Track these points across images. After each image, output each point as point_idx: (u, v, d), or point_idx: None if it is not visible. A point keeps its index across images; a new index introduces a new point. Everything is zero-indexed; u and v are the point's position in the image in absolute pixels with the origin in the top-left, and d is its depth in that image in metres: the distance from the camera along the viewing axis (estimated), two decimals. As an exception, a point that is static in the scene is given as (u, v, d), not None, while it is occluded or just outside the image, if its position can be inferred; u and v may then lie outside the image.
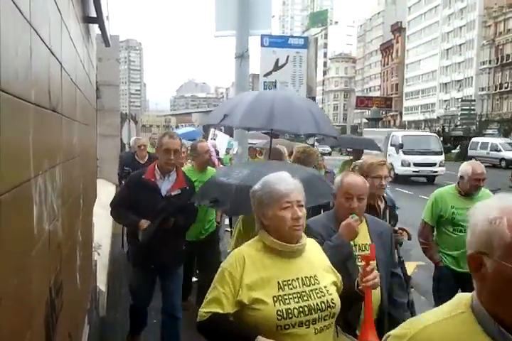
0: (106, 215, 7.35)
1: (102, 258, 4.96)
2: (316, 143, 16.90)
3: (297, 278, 2.03)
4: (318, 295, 2.03)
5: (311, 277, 2.06)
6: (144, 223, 3.81)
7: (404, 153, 22.63)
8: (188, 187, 4.05)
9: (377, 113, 65.62)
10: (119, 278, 6.61)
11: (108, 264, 5.63)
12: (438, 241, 4.47)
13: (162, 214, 3.78)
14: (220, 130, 11.36)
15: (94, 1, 2.80)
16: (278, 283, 1.99)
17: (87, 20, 3.09)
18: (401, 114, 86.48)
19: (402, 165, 22.23)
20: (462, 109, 49.99)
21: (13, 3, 1.04)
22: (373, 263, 2.32)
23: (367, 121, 68.37)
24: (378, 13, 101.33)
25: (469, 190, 4.24)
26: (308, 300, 2.00)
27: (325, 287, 2.07)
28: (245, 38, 7.13)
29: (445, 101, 74.65)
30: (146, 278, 4.15)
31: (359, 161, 5.86)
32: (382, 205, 3.79)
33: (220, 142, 10.18)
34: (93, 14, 3.04)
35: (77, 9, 2.58)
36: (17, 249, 1.13)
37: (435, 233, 4.52)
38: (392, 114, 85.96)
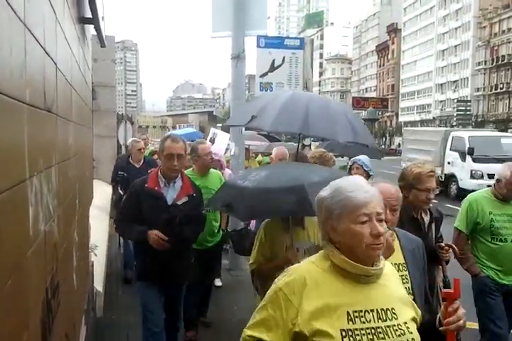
0: (102, 216, 7.35)
1: (98, 259, 4.95)
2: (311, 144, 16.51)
3: (371, 310, 1.65)
4: (397, 333, 1.66)
5: (387, 310, 1.69)
6: (152, 234, 3.45)
7: (475, 160, 16.13)
8: (195, 195, 3.76)
9: (374, 114, 65.81)
10: (116, 279, 6.60)
11: (105, 265, 5.63)
12: (475, 252, 3.98)
13: (169, 225, 3.49)
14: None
15: (90, 1, 2.80)
16: (348, 313, 1.62)
17: (83, 20, 3.09)
18: (397, 114, 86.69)
19: (473, 177, 16.04)
20: (458, 110, 50.17)
21: (7, 3, 1.04)
22: (457, 302, 1.86)
23: (363, 121, 68.48)
24: (374, 14, 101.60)
25: (507, 194, 3.79)
26: (384, 339, 1.62)
27: (405, 323, 1.70)
28: (241, 38, 7.15)
29: (441, 101, 74.89)
30: (155, 293, 3.73)
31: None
32: (426, 218, 3.37)
33: (220, 141, 10.00)
34: (88, 15, 3.04)
35: (73, 10, 2.58)
36: (13, 250, 1.13)
37: (470, 242, 4.02)
38: (388, 114, 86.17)
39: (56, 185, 1.84)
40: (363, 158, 5.64)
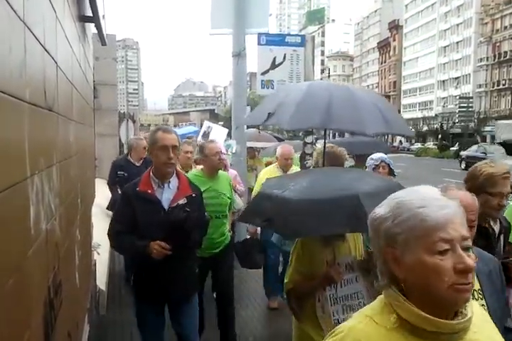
0: (105, 214, 7.35)
1: (101, 258, 4.96)
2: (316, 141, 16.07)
3: None
4: None
5: None
6: (153, 246, 3.05)
7: None
8: (194, 195, 3.34)
9: (376, 111, 65.52)
10: (119, 277, 6.61)
11: (108, 263, 5.63)
12: None
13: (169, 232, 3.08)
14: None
15: (90, 0, 2.79)
16: None
17: (83, 19, 3.08)
18: (399, 111, 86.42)
19: None
20: (460, 107, 50.07)
21: (7, 1, 1.03)
22: None
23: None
24: (375, 10, 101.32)
25: None
26: None
27: None
28: (242, 36, 7.14)
29: (443, 98, 74.70)
30: (154, 309, 3.42)
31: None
32: (496, 227, 2.85)
33: (215, 136, 8.82)
34: (89, 13, 3.04)
35: (73, 8, 2.57)
36: (14, 249, 1.13)
37: None
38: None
39: (57, 183, 1.84)
40: (384, 155, 5.04)
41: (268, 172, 5.66)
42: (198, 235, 3.35)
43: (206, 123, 9.95)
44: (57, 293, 1.77)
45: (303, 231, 2.59)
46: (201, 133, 9.56)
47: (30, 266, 1.29)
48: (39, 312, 1.44)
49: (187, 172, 4.90)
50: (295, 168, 5.98)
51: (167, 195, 3.24)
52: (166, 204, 3.20)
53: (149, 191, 3.20)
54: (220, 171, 4.61)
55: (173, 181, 3.29)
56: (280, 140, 13.36)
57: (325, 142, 3.97)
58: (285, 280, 2.83)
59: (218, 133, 8.96)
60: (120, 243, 3.29)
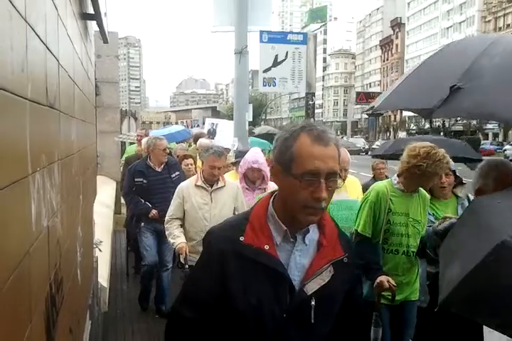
0: (107, 212, 7.37)
1: (103, 255, 4.97)
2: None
3: None
4: None
5: None
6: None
7: None
8: (346, 259, 1.72)
9: (378, 108, 65.50)
10: (120, 274, 6.63)
11: (109, 260, 5.65)
12: None
13: None
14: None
15: (92, -3, 2.80)
16: None
17: (85, 16, 3.08)
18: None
19: None
20: (462, 104, 49.83)
21: (8, -1, 1.04)
22: None
23: (367, 116, 68.28)
24: (377, 8, 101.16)
25: None
26: None
27: None
28: (244, 34, 7.13)
29: (445, 96, 74.47)
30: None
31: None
32: None
33: (224, 131, 8.04)
34: (91, 11, 3.04)
35: (75, 6, 2.58)
36: (15, 246, 1.14)
37: None
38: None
39: (59, 180, 1.85)
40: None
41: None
42: None
43: (209, 121, 9.48)
44: (58, 290, 1.78)
45: None
46: (206, 131, 9.26)
47: (32, 263, 1.30)
48: (40, 309, 1.45)
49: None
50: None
51: (300, 257, 1.61)
52: (296, 279, 1.60)
53: (267, 248, 1.57)
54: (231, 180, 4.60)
55: (313, 232, 1.65)
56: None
57: None
58: None
59: (226, 128, 8.34)
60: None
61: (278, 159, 1.56)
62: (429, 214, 3.73)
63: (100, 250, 4.83)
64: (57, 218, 1.79)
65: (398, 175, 3.48)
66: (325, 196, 1.46)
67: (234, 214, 4.31)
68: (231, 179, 4.75)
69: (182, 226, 4.40)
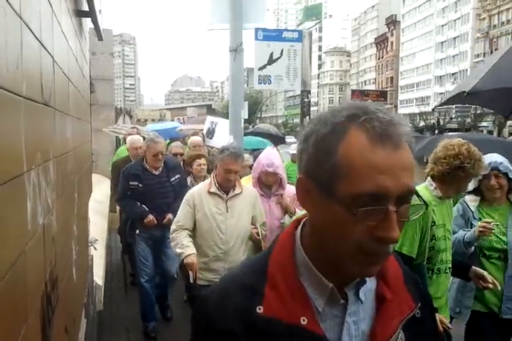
0: (102, 210, 7.36)
1: (98, 253, 4.96)
2: None
3: None
4: None
5: None
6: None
7: None
8: (418, 313, 1.19)
9: (373, 106, 65.56)
10: (116, 273, 6.62)
11: (105, 259, 5.63)
12: None
13: None
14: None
15: (87, -6, 2.78)
16: None
17: (80, 14, 3.07)
18: (396, 107, 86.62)
19: None
20: (457, 102, 50.07)
21: (3, -5, 1.03)
22: None
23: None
24: (373, 6, 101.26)
25: None
26: None
27: None
28: (239, 31, 7.11)
29: (440, 94, 74.74)
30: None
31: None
32: None
33: (223, 131, 7.84)
34: (85, 8, 3.02)
35: (69, 3, 2.56)
36: (11, 244, 1.13)
37: None
38: (387, 107, 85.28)
39: (54, 178, 1.84)
40: (500, 157, 3.42)
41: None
42: None
43: (209, 119, 9.02)
44: (54, 288, 1.77)
45: None
46: (205, 130, 8.81)
47: (27, 261, 1.29)
48: (36, 308, 1.44)
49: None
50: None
51: (357, 323, 1.01)
52: None
53: (303, 320, 0.95)
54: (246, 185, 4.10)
55: (369, 279, 1.04)
56: (278, 138, 11.80)
57: None
58: None
59: (225, 129, 7.96)
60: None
61: (310, 171, 0.94)
62: (475, 218, 3.43)
63: (95, 248, 4.82)
64: (53, 216, 1.78)
65: (433, 179, 2.98)
66: (395, 235, 0.88)
67: (252, 224, 3.92)
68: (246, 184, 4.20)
69: (192, 237, 3.86)
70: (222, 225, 3.75)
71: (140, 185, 4.93)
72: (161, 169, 5.03)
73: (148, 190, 4.91)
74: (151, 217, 4.90)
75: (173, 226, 3.87)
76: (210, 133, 8.82)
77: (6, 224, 1.07)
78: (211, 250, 3.74)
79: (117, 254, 7.23)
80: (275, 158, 4.09)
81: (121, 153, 7.60)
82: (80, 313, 2.98)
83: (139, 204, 4.97)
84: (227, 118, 7.73)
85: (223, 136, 7.93)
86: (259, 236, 3.82)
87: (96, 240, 4.92)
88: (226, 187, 3.80)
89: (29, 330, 1.30)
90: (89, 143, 4.34)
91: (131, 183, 4.97)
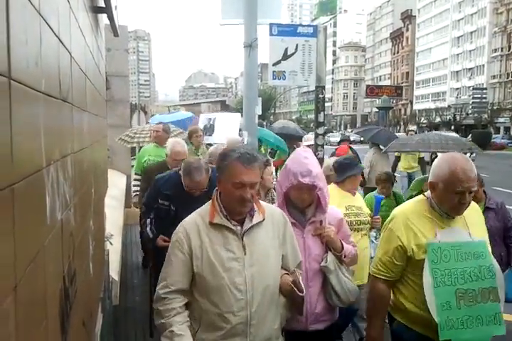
0: (117, 205, 7.41)
1: (114, 248, 5.00)
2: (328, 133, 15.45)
3: None
4: None
5: None
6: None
7: None
8: None
9: (388, 102, 65.04)
10: (131, 267, 6.67)
11: (120, 253, 5.68)
12: None
13: None
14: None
15: (103, -10, 2.79)
16: None
17: (96, 10, 3.08)
18: (411, 102, 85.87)
19: None
20: (473, 98, 49.55)
21: (23, -8, 1.03)
22: None
23: (377, 110, 67.92)
24: (388, 1, 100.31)
25: None
26: None
27: None
28: (254, 27, 7.09)
29: (456, 89, 73.99)
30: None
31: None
32: None
33: (225, 125, 7.22)
34: (101, 4, 3.04)
35: (86, -1, 2.58)
36: (31, 238, 1.15)
37: None
38: (402, 102, 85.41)
39: (72, 174, 1.85)
40: None
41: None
42: None
43: (203, 116, 8.24)
44: (72, 283, 1.79)
45: None
46: (202, 128, 8.28)
47: (46, 256, 1.31)
48: (55, 301, 1.45)
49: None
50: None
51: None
52: None
53: None
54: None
55: None
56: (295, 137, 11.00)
57: None
58: None
59: (227, 123, 7.59)
60: None
61: None
62: None
63: (111, 243, 4.86)
64: (71, 211, 1.79)
65: None
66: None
67: (283, 269, 2.48)
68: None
69: (188, 307, 2.35)
70: (239, 278, 2.28)
71: (173, 208, 4.01)
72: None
73: (180, 213, 3.41)
74: (160, 242, 4.08)
75: (158, 290, 2.35)
76: (208, 130, 8.53)
77: (26, 219, 1.08)
78: (222, 320, 2.27)
79: (132, 249, 7.29)
80: (312, 163, 2.77)
81: (147, 152, 6.60)
82: (96, 308, 3.01)
83: (150, 227, 4.34)
84: (241, 113, 7.72)
85: (225, 129, 7.44)
86: (296, 287, 2.33)
87: (112, 235, 4.95)
88: (240, 214, 2.34)
89: (49, 324, 1.31)
90: (106, 138, 4.37)
91: (160, 202, 4.10)
